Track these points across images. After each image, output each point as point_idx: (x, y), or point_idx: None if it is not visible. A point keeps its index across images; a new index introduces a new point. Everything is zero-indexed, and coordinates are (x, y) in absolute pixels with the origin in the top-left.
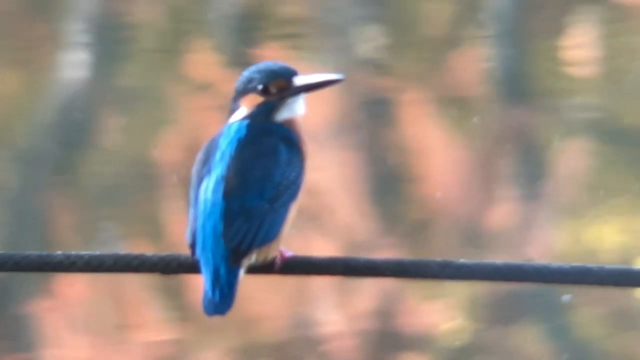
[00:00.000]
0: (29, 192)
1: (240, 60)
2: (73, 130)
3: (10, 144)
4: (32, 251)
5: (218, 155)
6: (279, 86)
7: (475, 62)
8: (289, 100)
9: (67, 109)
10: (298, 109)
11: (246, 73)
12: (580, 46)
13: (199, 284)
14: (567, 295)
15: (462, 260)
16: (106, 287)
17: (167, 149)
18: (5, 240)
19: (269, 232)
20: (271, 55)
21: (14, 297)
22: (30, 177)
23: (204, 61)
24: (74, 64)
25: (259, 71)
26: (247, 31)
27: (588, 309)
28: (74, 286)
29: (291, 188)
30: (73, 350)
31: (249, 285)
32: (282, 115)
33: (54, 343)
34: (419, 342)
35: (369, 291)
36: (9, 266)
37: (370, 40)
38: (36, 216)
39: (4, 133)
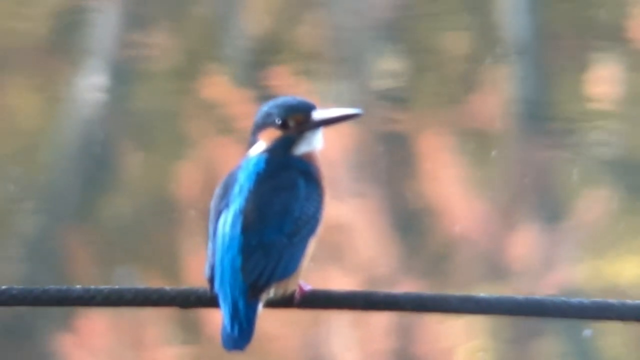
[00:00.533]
0: (47, 228)
1: (257, 93)
2: (91, 164)
3: (29, 179)
4: (53, 286)
5: (236, 189)
6: (297, 120)
7: (495, 96)
8: (308, 135)
9: (85, 142)
10: (316, 143)
11: (265, 107)
12: (601, 82)
13: (217, 318)
14: (588, 330)
15: (481, 295)
16: (126, 323)
17: (184, 183)
18: (24, 276)
19: (288, 266)
20: (287, 86)
21: (35, 334)
22: (49, 211)
23: (221, 93)
24: (91, 96)
25: (277, 106)
26: (263, 63)
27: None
28: (95, 322)
29: (310, 222)
30: None
31: (267, 320)
32: (301, 149)
33: None
34: None
35: (386, 324)
36: (29, 301)
37: (387, 72)
38: (55, 252)
39: (22, 167)
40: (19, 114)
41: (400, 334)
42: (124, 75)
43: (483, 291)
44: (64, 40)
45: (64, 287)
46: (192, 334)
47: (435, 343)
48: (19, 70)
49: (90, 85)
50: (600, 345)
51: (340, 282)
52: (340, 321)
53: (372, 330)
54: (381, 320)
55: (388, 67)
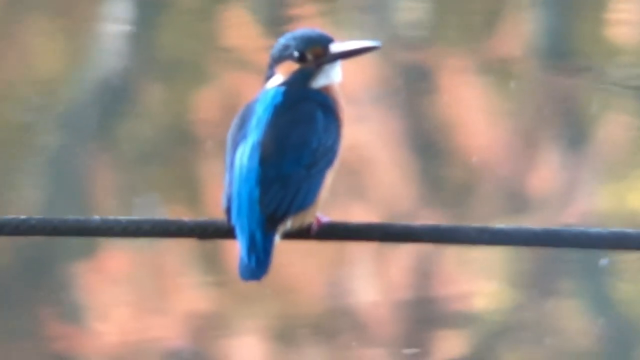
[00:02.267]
0: (68, 157)
1: (276, 26)
2: (112, 96)
3: (50, 110)
4: (70, 216)
5: (254, 121)
6: (315, 53)
7: (517, 28)
8: (326, 67)
9: (107, 75)
10: (335, 76)
11: (282, 40)
12: (625, 10)
13: (236, 250)
14: (604, 259)
15: (499, 226)
16: (146, 254)
17: (204, 113)
18: (45, 205)
19: (306, 198)
20: (308, 22)
21: (56, 263)
22: (69, 142)
23: (241, 26)
24: (113, 30)
25: (295, 38)
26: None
27: (629, 274)
28: (115, 254)
29: (328, 155)
30: (114, 320)
31: (285, 252)
32: (319, 82)
33: (96, 312)
34: (457, 312)
35: (405, 259)
36: (48, 231)
37: (410, 6)
38: (75, 181)
39: (44, 99)
40: (42, 47)
41: (420, 273)
42: (147, 7)
43: (504, 222)
44: None
45: (82, 217)
46: (212, 264)
47: (456, 282)
48: (40, 4)
49: (113, 17)
50: (617, 275)
51: (359, 214)
52: (360, 257)
53: (392, 267)
54: (402, 252)
55: (411, 4)
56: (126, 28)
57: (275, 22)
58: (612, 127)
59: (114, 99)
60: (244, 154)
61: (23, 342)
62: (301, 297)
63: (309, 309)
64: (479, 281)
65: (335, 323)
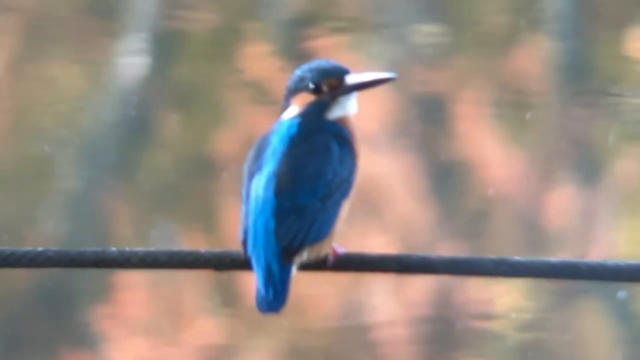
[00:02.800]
0: (86, 189)
1: (294, 57)
2: (130, 128)
3: (69, 142)
4: (88, 247)
5: (269, 152)
6: (330, 85)
7: (533, 58)
8: (341, 99)
9: (126, 107)
10: (350, 108)
11: (298, 72)
12: None
13: (253, 281)
14: (622, 291)
15: (516, 258)
16: (162, 288)
17: (222, 146)
18: (64, 237)
19: (321, 230)
20: (325, 52)
21: (74, 299)
22: (88, 174)
23: (259, 58)
24: (132, 62)
25: (310, 70)
26: (301, 29)
27: None
28: (131, 287)
29: (343, 186)
30: (130, 350)
31: (303, 275)
32: (334, 113)
33: (113, 344)
34: (476, 334)
35: (424, 282)
36: (65, 262)
37: (426, 36)
38: (94, 213)
39: (63, 131)
40: (61, 79)
41: (439, 298)
42: (164, 40)
43: (520, 254)
44: (105, 6)
45: (100, 249)
46: (228, 295)
47: (474, 307)
48: (61, 37)
49: (131, 50)
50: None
51: (376, 243)
52: (378, 284)
53: (411, 293)
54: (420, 284)
55: (427, 31)
56: (145, 60)
57: (292, 53)
58: (630, 159)
59: (133, 131)
60: (260, 185)
61: None
62: (317, 315)
63: (325, 330)
64: (499, 305)
65: (350, 345)
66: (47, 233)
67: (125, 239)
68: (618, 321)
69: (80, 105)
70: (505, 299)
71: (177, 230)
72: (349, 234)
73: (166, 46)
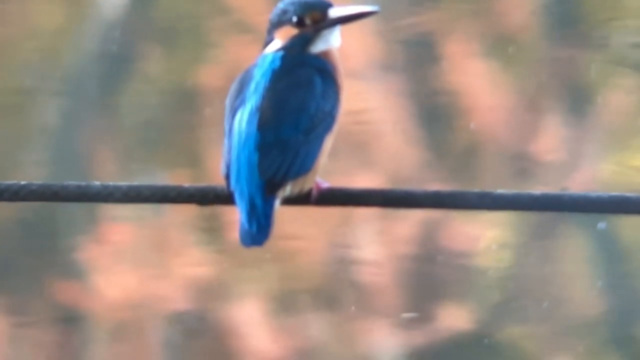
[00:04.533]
0: (69, 123)
1: None
2: (112, 62)
3: (50, 75)
4: (72, 181)
5: (252, 86)
6: (313, 18)
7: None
8: (324, 32)
9: (107, 41)
10: (333, 41)
11: (281, 5)
12: None
13: (236, 216)
14: (602, 223)
15: (499, 191)
16: (149, 222)
17: (205, 80)
18: (47, 172)
19: (304, 163)
20: None
21: (62, 232)
22: (70, 109)
23: None
24: None
25: (293, 3)
26: None
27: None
28: (118, 221)
29: (326, 120)
30: (118, 279)
31: (286, 213)
32: (317, 47)
33: (100, 276)
34: (460, 274)
35: (409, 219)
36: (48, 196)
37: None
38: (77, 148)
39: (44, 64)
40: (40, 14)
41: (422, 236)
42: None
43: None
44: None
45: (83, 183)
46: (213, 230)
47: (459, 240)
48: None
49: None
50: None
51: (363, 180)
52: (364, 222)
53: (396, 230)
54: (405, 219)
55: None
56: None
57: None
58: (614, 95)
59: (114, 66)
60: (243, 120)
61: (29, 300)
62: (302, 257)
63: (311, 270)
64: (481, 240)
65: (337, 287)
66: (28, 169)
67: (108, 174)
68: (598, 252)
69: (60, 40)
70: (487, 234)
71: (161, 166)
72: (334, 170)
73: None
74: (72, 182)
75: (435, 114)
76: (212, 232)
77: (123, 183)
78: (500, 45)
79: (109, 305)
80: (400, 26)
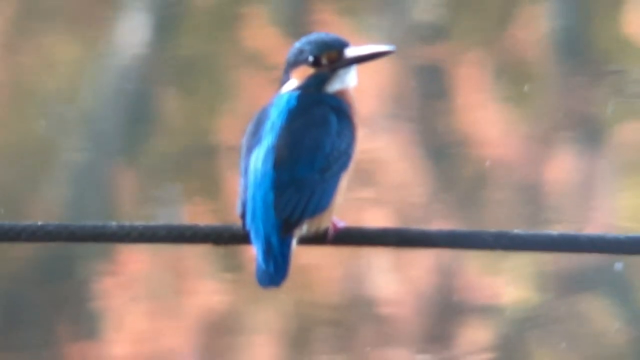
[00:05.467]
0: (87, 163)
1: (295, 30)
2: (130, 103)
3: (71, 118)
4: (88, 222)
5: (268, 125)
6: (330, 58)
7: (534, 28)
8: (340, 72)
9: (125, 82)
10: (349, 80)
11: (297, 44)
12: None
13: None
14: (618, 263)
15: (516, 231)
16: (166, 258)
17: (223, 120)
18: (66, 212)
19: (320, 202)
20: (327, 22)
21: (77, 268)
22: (92, 147)
23: (260, 30)
24: (132, 34)
25: (309, 42)
26: (303, 1)
27: None
28: (135, 257)
29: (342, 158)
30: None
31: (304, 250)
32: (334, 86)
33: (111, 318)
34: (480, 310)
35: (426, 258)
36: (65, 236)
37: (426, 5)
38: (98, 187)
39: (64, 107)
40: (60, 54)
41: (441, 274)
42: (166, 18)
43: (519, 224)
44: None
45: (100, 223)
46: (230, 263)
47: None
48: (62, 16)
49: (132, 28)
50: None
51: (373, 216)
52: (380, 258)
53: (413, 270)
54: (422, 259)
55: (426, 3)
56: (145, 35)
57: (293, 25)
58: (628, 130)
59: (132, 107)
60: (258, 159)
61: (38, 350)
62: (320, 292)
63: (328, 304)
64: (502, 280)
65: (355, 318)
66: (48, 209)
67: (127, 213)
68: (614, 293)
69: (79, 80)
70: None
71: (179, 205)
72: (347, 206)
73: (167, 17)
74: (88, 223)
75: (447, 151)
76: (229, 264)
77: (139, 223)
78: (513, 79)
79: (119, 355)
80: (411, 61)
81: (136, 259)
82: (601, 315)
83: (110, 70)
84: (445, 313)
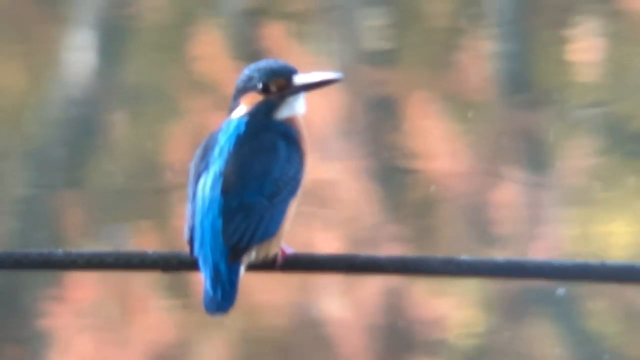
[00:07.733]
0: (36, 190)
1: (245, 54)
2: (77, 127)
3: (14, 140)
4: (34, 249)
5: (216, 151)
6: (278, 85)
7: (479, 59)
8: (289, 99)
9: (71, 105)
10: (298, 107)
11: (246, 71)
12: (584, 45)
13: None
14: (561, 289)
15: (463, 257)
16: (113, 284)
17: (171, 144)
18: (14, 239)
19: (269, 228)
20: (277, 47)
21: (23, 296)
22: (37, 174)
23: (210, 55)
24: (78, 59)
25: (258, 70)
26: (252, 23)
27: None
28: (82, 284)
29: (290, 184)
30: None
31: (252, 275)
32: (283, 113)
33: (62, 341)
34: (426, 333)
35: (375, 282)
36: (10, 264)
37: (375, 31)
38: (43, 215)
39: (8, 127)
40: (5, 75)
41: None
42: (112, 34)
43: (466, 249)
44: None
45: (45, 250)
46: (177, 288)
47: (426, 308)
48: (4, 33)
49: (78, 45)
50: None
51: (324, 242)
52: (329, 284)
53: (362, 294)
54: (372, 284)
55: (375, 30)
56: (91, 56)
57: (243, 49)
58: (573, 157)
59: (79, 131)
60: (206, 185)
61: None
62: (267, 318)
63: (276, 330)
64: (448, 305)
65: (302, 343)
66: None
67: (74, 241)
68: (557, 318)
69: (24, 103)
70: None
71: (127, 231)
72: (295, 232)
73: (114, 41)
74: (34, 250)
75: (397, 174)
76: (176, 289)
77: (86, 250)
78: (460, 108)
79: None
80: (360, 88)
81: (83, 285)
82: (544, 340)
83: (56, 96)
84: (393, 337)
